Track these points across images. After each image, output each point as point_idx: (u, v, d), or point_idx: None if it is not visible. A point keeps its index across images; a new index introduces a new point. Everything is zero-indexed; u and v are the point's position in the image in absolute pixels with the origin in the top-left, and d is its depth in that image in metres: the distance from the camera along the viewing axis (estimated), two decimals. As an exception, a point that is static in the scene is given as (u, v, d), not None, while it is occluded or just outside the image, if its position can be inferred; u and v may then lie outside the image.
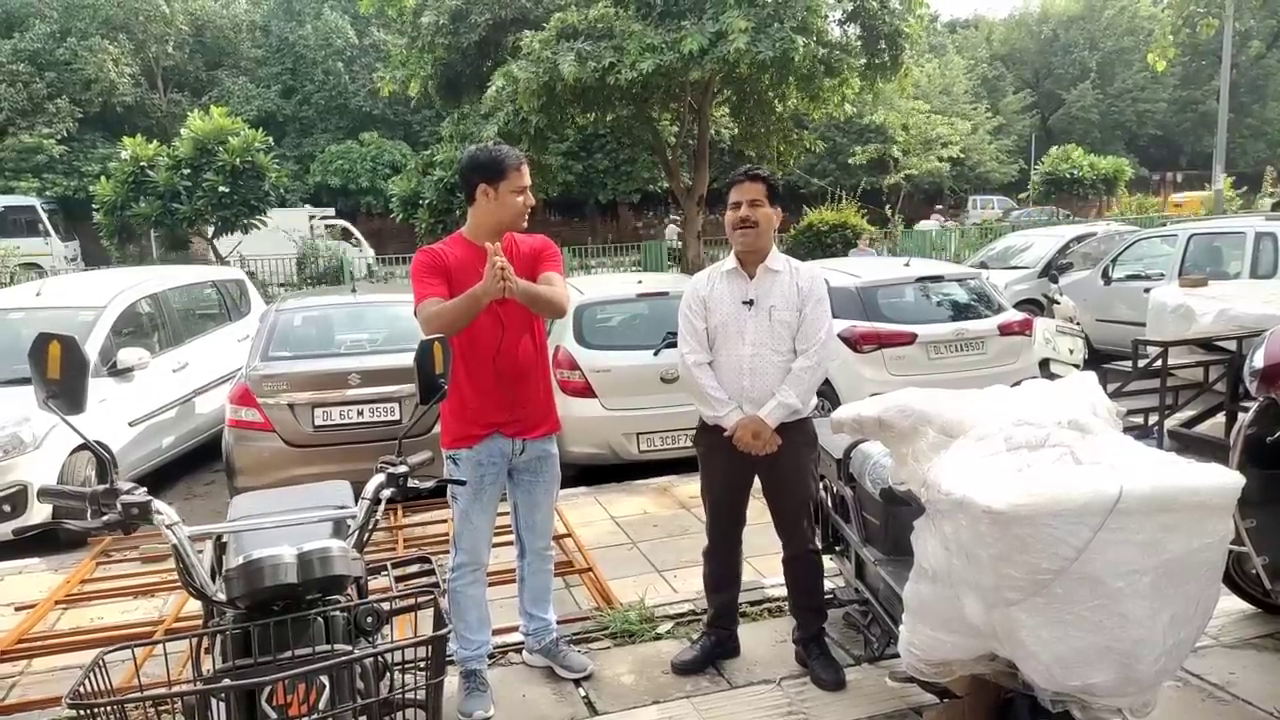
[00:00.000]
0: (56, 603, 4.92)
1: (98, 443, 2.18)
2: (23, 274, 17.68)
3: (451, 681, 3.59)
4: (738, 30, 13.40)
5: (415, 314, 3.35)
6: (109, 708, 1.57)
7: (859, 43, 16.31)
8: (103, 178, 16.38)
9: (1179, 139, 46.39)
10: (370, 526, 2.07)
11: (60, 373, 1.92)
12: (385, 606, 1.88)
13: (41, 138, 30.34)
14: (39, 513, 5.89)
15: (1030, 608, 2.19)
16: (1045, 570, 2.14)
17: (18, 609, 4.87)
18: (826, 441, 3.77)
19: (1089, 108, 43.48)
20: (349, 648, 1.82)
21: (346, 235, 26.11)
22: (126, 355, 6.97)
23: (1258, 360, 3.52)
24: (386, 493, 2.15)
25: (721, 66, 14.23)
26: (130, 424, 6.88)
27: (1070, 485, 2.18)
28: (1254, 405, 3.53)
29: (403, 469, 2.17)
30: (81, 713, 1.57)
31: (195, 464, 7.90)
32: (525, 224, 3.52)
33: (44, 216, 25.80)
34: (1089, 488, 2.16)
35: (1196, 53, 39.71)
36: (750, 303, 3.55)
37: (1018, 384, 3.01)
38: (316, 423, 6.22)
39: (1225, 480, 2.24)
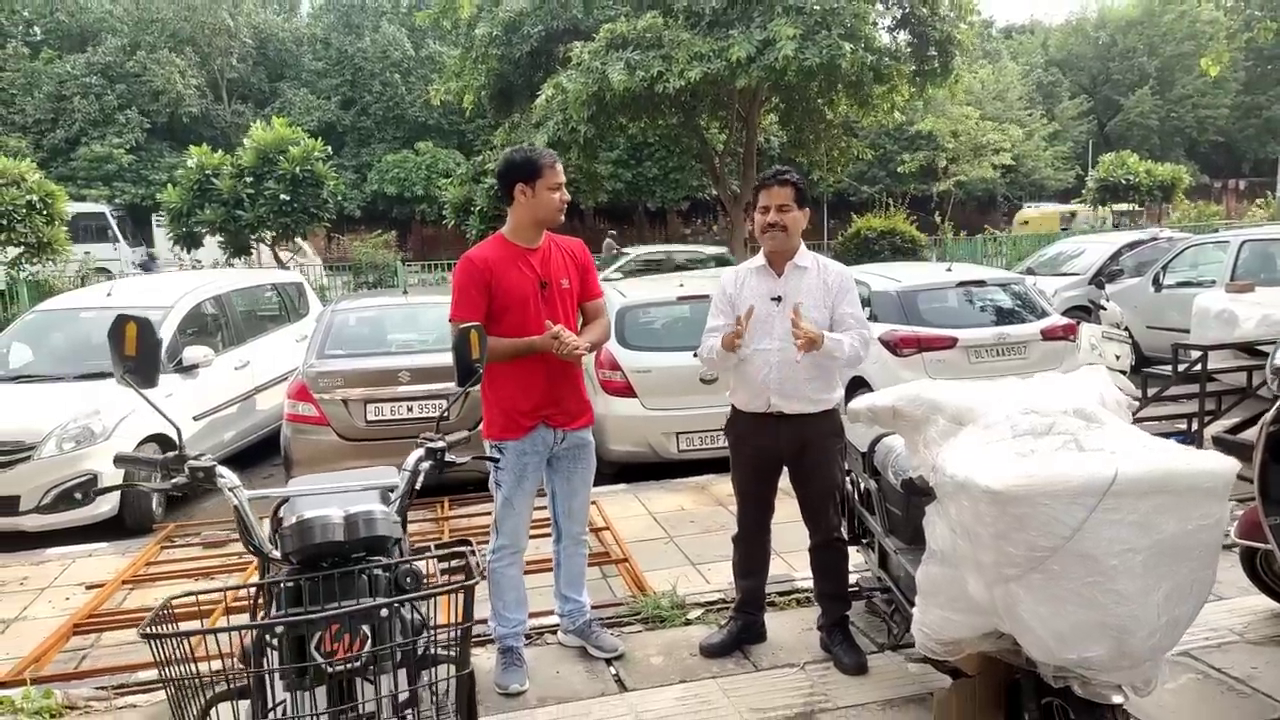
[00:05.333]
0: (123, 582, 5.23)
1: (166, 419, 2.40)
2: (92, 279, 18.37)
3: (490, 658, 3.78)
4: (785, 38, 13.49)
5: (450, 321, 3.59)
6: (175, 640, 1.80)
7: (909, 49, 16.31)
8: (169, 185, 16.98)
9: (1242, 145, 45.24)
10: (410, 493, 2.27)
11: (136, 350, 2.16)
12: (422, 567, 2.07)
13: (112, 147, 31.54)
14: (106, 502, 6.22)
15: (1028, 584, 2.30)
16: (1042, 548, 2.26)
17: (88, 588, 5.19)
18: (852, 436, 3.90)
19: (1148, 114, 42.57)
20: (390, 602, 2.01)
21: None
22: (191, 353, 7.32)
23: (1279, 358, 3.56)
24: (425, 465, 2.36)
25: (769, 74, 14.32)
26: (194, 418, 7.22)
27: (1067, 468, 2.29)
28: (1276, 403, 3.57)
29: (441, 444, 2.37)
30: (153, 643, 1.80)
31: (256, 458, 8.21)
32: (562, 219, 3.70)
33: (113, 223, 26.74)
34: (1085, 470, 2.27)
35: (1261, 58, 38.74)
36: (779, 299, 3.68)
37: None
38: (369, 418, 6.48)
39: (1219, 465, 2.33)
